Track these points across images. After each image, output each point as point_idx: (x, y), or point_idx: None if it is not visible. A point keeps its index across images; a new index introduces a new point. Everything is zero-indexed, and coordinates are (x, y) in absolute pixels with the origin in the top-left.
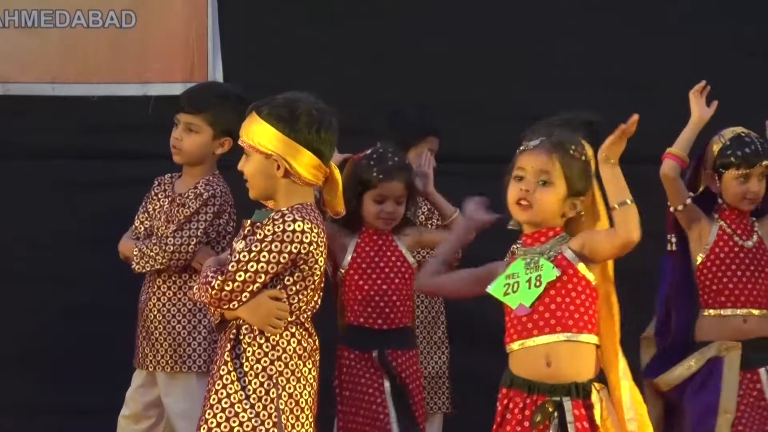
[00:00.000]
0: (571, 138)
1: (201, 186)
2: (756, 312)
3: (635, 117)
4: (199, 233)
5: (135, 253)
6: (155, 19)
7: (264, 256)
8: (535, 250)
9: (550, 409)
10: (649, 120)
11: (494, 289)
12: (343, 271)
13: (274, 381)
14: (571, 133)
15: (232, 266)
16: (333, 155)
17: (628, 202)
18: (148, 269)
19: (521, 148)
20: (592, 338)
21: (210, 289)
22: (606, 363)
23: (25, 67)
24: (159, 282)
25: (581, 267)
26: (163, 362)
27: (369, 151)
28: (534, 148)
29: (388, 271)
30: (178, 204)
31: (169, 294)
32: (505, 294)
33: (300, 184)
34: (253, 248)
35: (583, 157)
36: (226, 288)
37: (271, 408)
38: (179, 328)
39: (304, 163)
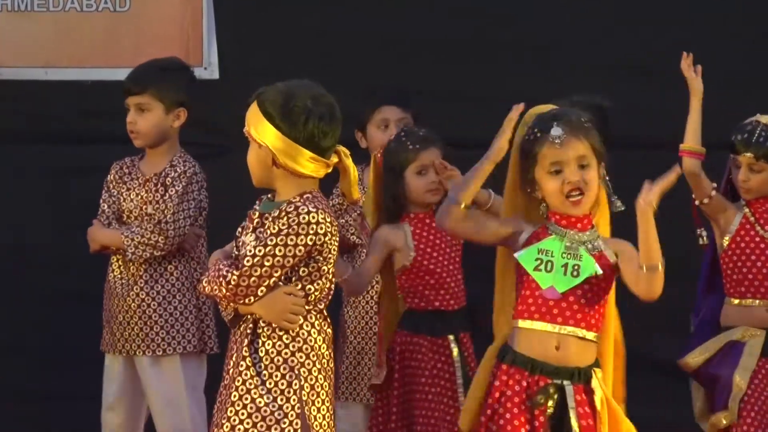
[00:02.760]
0: (577, 113)
1: (179, 164)
2: None
3: (678, 169)
4: (191, 213)
5: (127, 242)
6: (150, 3)
7: (279, 250)
8: (574, 236)
9: (552, 392)
10: (664, 105)
11: (524, 258)
12: (410, 260)
13: (296, 372)
14: (571, 110)
15: (248, 261)
16: (336, 143)
17: (660, 268)
18: (147, 257)
19: (540, 141)
20: (597, 337)
21: (226, 284)
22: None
23: (18, 51)
24: (137, 266)
25: (613, 263)
26: (145, 346)
27: (393, 137)
28: (564, 137)
29: (449, 251)
30: (157, 184)
31: (156, 276)
32: (536, 269)
33: (297, 176)
34: (269, 242)
35: (590, 122)
36: (242, 283)
37: (294, 400)
38: (170, 309)
39: (302, 160)
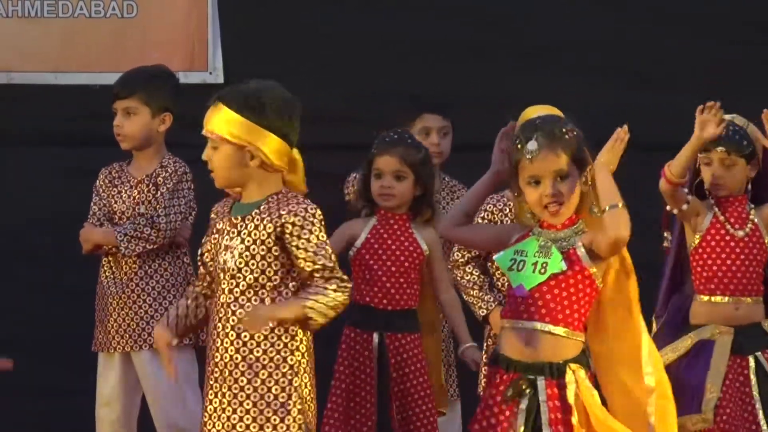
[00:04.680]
0: (555, 121)
1: (170, 164)
2: (748, 300)
3: (625, 127)
4: (182, 209)
5: (120, 237)
6: (156, 9)
7: (330, 246)
8: (551, 235)
9: (523, 387)
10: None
11: (500, 259)
12: (354, 250)
13: (295, 370)
14: (551, 116)
15: (328, 263)
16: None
17: (619, 205)
18: (140, 251)
19: (519, 152)
20: (578, 335)
21: (342, 298)
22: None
23: (28, 56)
24: (130, 264)
25: (588, 264)
26: (142, 341)
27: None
28: (539, 153)
29: (399, 254)
30: (149, 185)
31: (151, 273)
32: (510, 269)
33: (271, 171)
34: (327, 243)
35: (574, 132)
36: (349, 285)
37: (295, 397)
38: (166, 304)
39: (272, 148)
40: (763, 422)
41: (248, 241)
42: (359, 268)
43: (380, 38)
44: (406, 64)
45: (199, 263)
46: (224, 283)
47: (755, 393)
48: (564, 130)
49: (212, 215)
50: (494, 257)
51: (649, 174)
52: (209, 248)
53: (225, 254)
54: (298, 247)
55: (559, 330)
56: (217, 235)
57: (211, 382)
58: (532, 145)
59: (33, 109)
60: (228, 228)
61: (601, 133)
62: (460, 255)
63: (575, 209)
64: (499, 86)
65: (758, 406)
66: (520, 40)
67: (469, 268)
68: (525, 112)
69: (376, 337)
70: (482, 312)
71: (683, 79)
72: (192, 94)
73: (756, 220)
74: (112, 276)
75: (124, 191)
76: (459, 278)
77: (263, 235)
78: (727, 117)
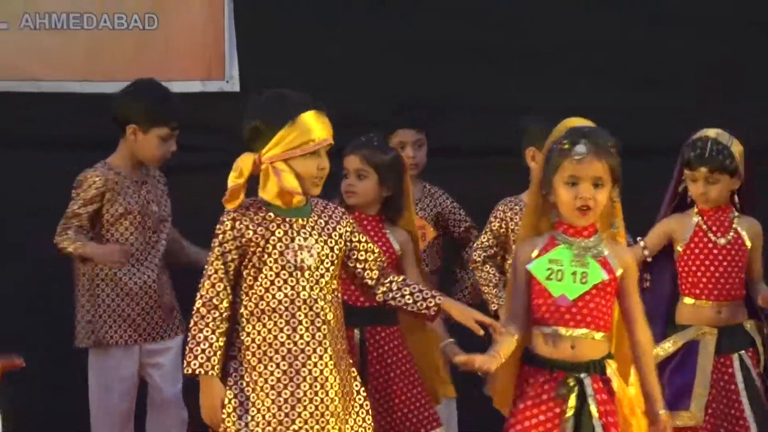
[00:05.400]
0: (606, 136)
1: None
2: (731, 303)
3: None
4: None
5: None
6: (176, 21)
7: None
8: (580, 243)
9: (571, 384)
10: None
11: (536, 269)
12: None
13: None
14: (602, 131)
15: (382, 259)
16: None
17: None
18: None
19: (564, 153)
20: (607, 336)
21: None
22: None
23: (55, 66)
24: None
25: (616, 268)
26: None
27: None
28: (585, 156)
29: None
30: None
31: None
32: (548, 278)
33: None
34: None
35: (616, 148)
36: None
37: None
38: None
39: None
40: (750, 418)
41: (324, 240)
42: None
43: (398, 47)
44: (422, 68)
45: (222, 271)
46: (303, 281)
47: (741, 389)
48: (609, 143)
49: (244, 223)
50: (528, 267)
51: (653, 175)
52: (253, 250)
53: (302, 253)
54: (367, 242)
55: (599, 335)
56: (271, 238)
57: (280, 375)
58: (581, 148)
59: (60, 116)
60: (294, 229)
61: None
62: (477, 255)
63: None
64: (503, 88)
65: (745, 401)
66: (524, 41)
67: (487, 267)
68: (564, 122)
69: (357, 333)
70: (494, 307)
71: (687, 80)
72: (210, 101)
73: (738, 228)
74: (156, 268)
75: (140, 193)
76: (477, 276)
77: (335, 234)
78: (711, 134)
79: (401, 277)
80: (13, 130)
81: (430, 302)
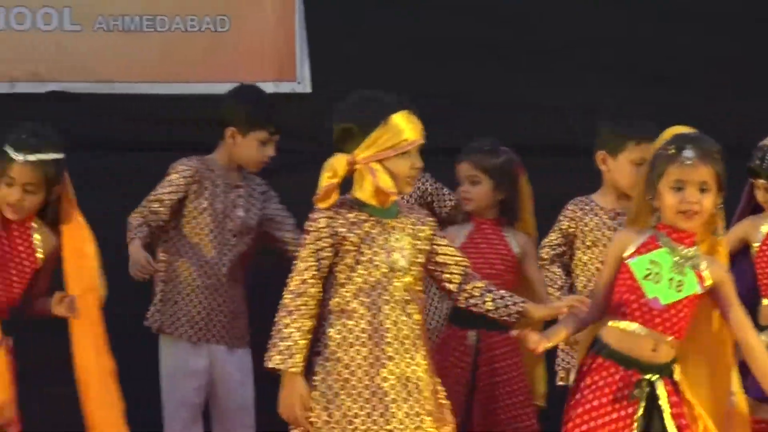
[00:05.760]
0: (712, 143)
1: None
2: None
3: None
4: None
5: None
6: (247, 23)
7: None
8: (682, 251)
9: (645, 387)
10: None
11: (636, 265)
12: None
13: None
14: (707, 137)
15: (466, 264)
16: None
17: None
18: None
19: (670, 158)
20: (678, 344)
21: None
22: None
23: (129, 68)
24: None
25: (707, 287)
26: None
27: None
28: (692, 160)
29: (493, 258)
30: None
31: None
32: (645, 277)
33: None
34: None
35: (722, 156)
36: None
37: None
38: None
39: None
40: None
41: (414, 242)
42: None
43: (464, 45)
44: (500, 70)
45: (314, 268)
46: (395, 281)
47: None
48: (715, 149)
49: (339, 221)
50: (629, 261)
51: None
52: (350, 248)
53: (394, 254)
54: (448, 245)
55: (676, 342)
56: (366, 238)
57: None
58: (689, 152)
59: (133, 117)
60: (387, 229)
61: None
62: (545, 252)
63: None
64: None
65: None
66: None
67: (554, 267)
68: (669, 130)
69: (473, 335)
70: None
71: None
72: (281, 103)
73: None
74: (236, 269)
75: (227, 194)
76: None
77: (422, 235)
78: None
79: (484, 283)
80: (87, 131)
81: (512, 309)
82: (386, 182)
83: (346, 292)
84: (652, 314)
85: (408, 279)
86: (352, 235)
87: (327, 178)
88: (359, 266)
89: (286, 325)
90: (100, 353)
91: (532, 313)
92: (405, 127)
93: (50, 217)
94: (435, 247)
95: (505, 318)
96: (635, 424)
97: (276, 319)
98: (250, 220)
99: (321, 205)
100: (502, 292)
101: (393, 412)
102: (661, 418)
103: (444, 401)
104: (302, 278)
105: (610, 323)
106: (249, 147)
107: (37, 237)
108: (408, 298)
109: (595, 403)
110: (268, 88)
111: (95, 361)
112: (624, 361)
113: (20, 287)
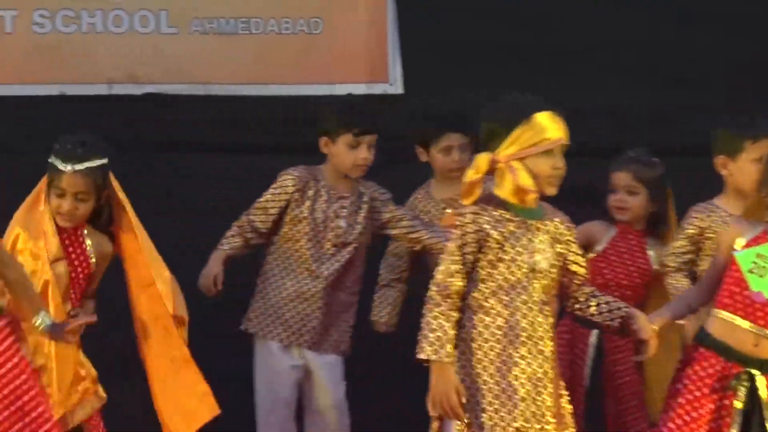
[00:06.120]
0: None
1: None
2: None
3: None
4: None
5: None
6: (340, 25)
7: None
8: None
9: (744, 379)
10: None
11: (742, 258)
12: (590, 256)
13: None
14: None
15: (585, 275)
16: None
17: None
18: None
19: None
20: None
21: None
22: None
23: (224, 70)
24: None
25: None
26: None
27: None
28: None
29: (629, 265)
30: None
31: None
32: (750, 271)
33: None
34: None
35: None
36: None
37: None
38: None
39: None
40: None
41: (555, 245)
42: (592, 274)
43: (558, 49)
44: (591, 73)
45: (460, 262)
46: (535, 282)
47: None
48: None
49: (485, 218)
50: (735, 254)
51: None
52: (494, 245)
53: (536, 255)
54: (577, 253)
55: None
56: (510, 237)
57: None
58: None
59: (228, 119)
60: (531, 230)
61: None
62: (671, 260)
63: None
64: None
65: None
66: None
67: (679, 276)
68: None
69: (594, 334)
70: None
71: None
72: (374, 105)
73: None
74: (331, 277)
75: (330, 206)
76: (667, 282)
77: (563, 240)
78: None
79: (591, 288)
80: (182, 133)
81: (615, 314)
82: (526, 180)
83: (486, 288)
84: (755, 308)
85: (547, 281)
86: (496, 232)
87: (471, 175)
88: (501, 264)
89: (435, 317)
90: (170, 344)
91: (633, 320)
92: (548, 125)
93: (104, 221)
94: (570, 254)
95: (608, 323)
96: (734, 417)
97: (423, 312)
98: (353, 231)
99: (465, 201)
100: (608, 297)
101: (521, 411)
102: (761, 413)
103: (566, 405)
104: (449, 272)
105: (714, 313)
106: (340, 152)
107: (89, 242)
108: (545, 299)
109: (697, 393)
110: (361, 89)
111: (164, 353)
112: (725, 352)
113: (78, 292)
